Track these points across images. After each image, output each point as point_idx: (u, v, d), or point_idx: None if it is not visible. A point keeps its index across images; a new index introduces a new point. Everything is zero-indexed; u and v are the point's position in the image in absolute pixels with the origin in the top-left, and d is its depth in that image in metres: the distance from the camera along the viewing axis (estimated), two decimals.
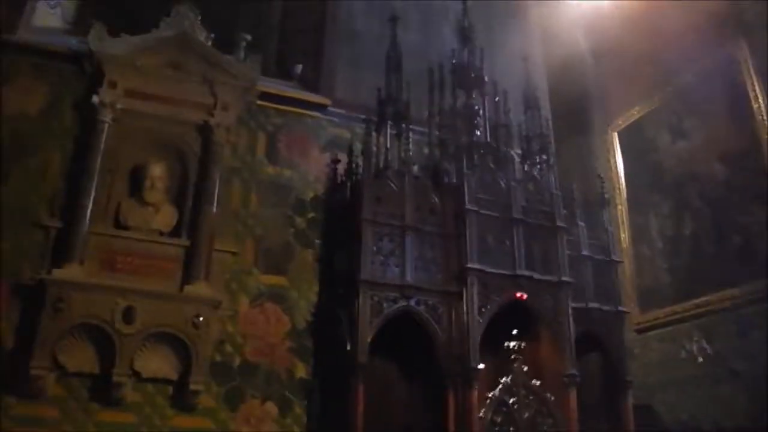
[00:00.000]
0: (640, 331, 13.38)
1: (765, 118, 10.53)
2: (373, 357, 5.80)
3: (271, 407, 6.09)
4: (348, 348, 5.33)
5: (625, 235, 13.73)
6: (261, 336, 6.27)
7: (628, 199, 13.87)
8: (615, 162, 13.09)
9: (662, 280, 14.21)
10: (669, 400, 12.37)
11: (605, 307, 6.41)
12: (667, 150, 13.68)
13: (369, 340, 5.26)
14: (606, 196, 7.23)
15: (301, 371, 6.23)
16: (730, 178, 11.69)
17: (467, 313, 5.49)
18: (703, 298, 12.81)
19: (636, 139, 13.46)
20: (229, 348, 6.14)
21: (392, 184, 5.93)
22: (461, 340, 5.46)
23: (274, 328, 6.32)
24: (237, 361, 6.13)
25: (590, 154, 9.25)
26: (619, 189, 13.07)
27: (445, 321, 5.58)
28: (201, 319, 5.80)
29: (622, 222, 13.43)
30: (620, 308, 6.54)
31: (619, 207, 12.19)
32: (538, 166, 6.59)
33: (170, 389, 5.86)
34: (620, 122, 12.03)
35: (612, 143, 12.75)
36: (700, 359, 12.55)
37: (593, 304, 6.36)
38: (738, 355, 11.98)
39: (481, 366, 5.36)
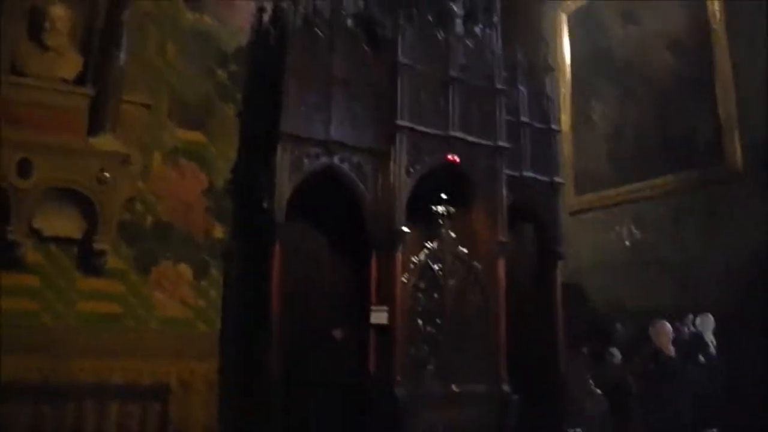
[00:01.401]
0: (573, 214, 13.49)
1: (717, 9, 10.20)
2: (294, 221, 5.47)
3: (186, 270, 5.76)
4: (265, 206, 4.91)
5: (566, 118, 13.58)
6: (175, 195, 5.84)
7: (573, 83, 13.63)
8: (562, 44, 12.66)
9: (600, 165, 14.23)
10: (598, 281, 12.64)
11: (541, 177, 6.12)
12: (617, 35, 13.36)
13: (287, 197, 4.86)
14: (550, 62, 6.77)
15: (219, 232, 5.87)
16: (679, 68, 11.51)
17: (394, 173, 5.14)
18: (639, 184, 12.94)
19: (586, 23, 13.04)
20: (139, 207, 5.71)
21: (320, 33, 5.36)
22: (387, 202, 5.12)
23: (190, 186, 5.90)
24: (149, 220, 5.72)
25: (537, 33, 8.72)
26: (564, 72, 12.71)
27: (371, 181, 5.23)
28: (107, 174, 5.31)
29: (565, 105, 13.21)
30: (556, 179, 6.23)
31: (563, 90, 11.84)
32: (481, 26, 6.08)
33: (75, 250, 5.43)
34: (570, 4, 11.52)
35: (560, 25, 12.25)
36: (629, 244, 12.81)
37: (529, 173, 6.08)
38: (666, 241, 12.23)
39: (407, 229, 5.05)
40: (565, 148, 13.65)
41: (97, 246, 5.23)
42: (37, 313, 5.11)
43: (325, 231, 5.70)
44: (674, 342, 8.70)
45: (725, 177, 11.55)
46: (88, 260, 5.32)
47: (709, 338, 8.16)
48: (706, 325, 8.36)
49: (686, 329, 8.56)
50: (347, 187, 5.23)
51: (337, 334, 5.37)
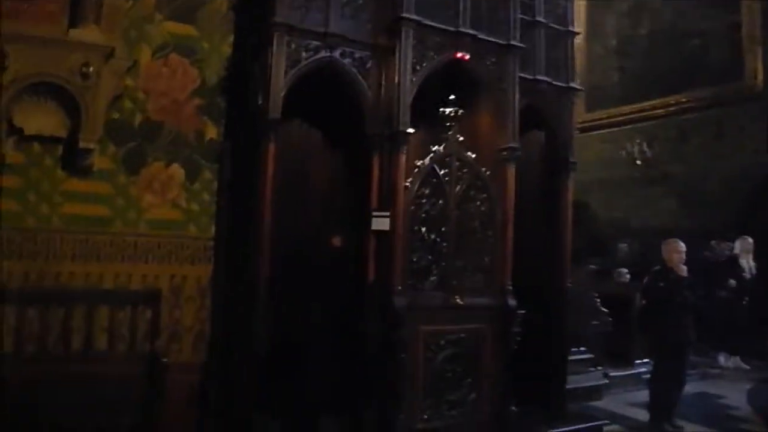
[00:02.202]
0: (583, 130, 13.12)
1: None
2: (292, 120, 5.17)
3: (178, 171, 5.44)
4: (259, 103, 4.56)
5: (579, 31, 13.01)
6: (166, 92, 5.45)
7: None
8: None
9: (612, 80, 13.78)
10: (604, 198, 12.42)
11: (555, 81, 5.72)
12: None
13: (283, 93, 4.50)
14: None
15: (212, 132, 5.52)
16: None
17: (399, 70, 4.75)
18: (650, 102, 12.53)
19: None
20: (128, 104, 5.34)
21: None
22: (391, 101, 4.76)
23: (180, 83, 5.50)
24: (138, 119, 5.36)
25: None
26: None
27: (374, 78, 4.87)
28: (91, 68, 4.92)
29: (579, 17, 12.63)
30: (572, 84, 5.83)
31: (578, 2, 11.30)
32: None
33: (60, 149, 5.11)
34: None
35: None
36: (639, 162, 12.49)
37: (542, 77, 5.67)
38: (675, 159, 11.91)
39: (411, 130, 4.71)
40: (579, 61, 13.21)
41: (83, 144, 4.88)
42: (20, 215, 4.82)
43: (324, 132, 5.40)
44: (706, 263, 8.54)
45: (741, 95, 11.16)
46: (74, 160, 4.98)
47: (748, 263, 7.98)
48: (744, 248, 8.16)
49: (721, 251, 8.37)
50: (348, 84, 4.88)
51: (337, 241, 5.11)
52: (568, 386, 6.14)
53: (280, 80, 4.53)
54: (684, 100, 12.21)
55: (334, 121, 5.20)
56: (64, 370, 4.85)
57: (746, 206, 10.09)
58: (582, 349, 7.02)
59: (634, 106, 13.05)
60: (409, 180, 4.75)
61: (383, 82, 4.84)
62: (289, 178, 5.28)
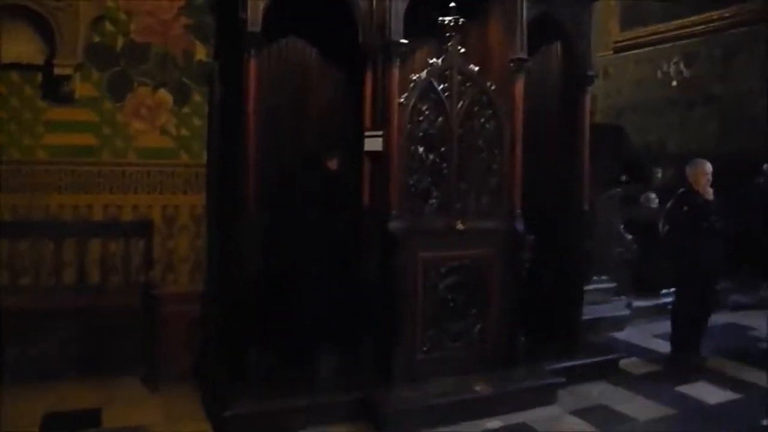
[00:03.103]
0: (617, 50, 12.40)
1: None
2: (287, 37, 4.83)
3: (165, 96, 5.14)
4: (241, 16, 4.20)
5: None
6: (150, 11, 5.13)
7: None
8: None
9: None
10: (639, 121, 11.80)
11: None
12: None
13: (264, 4, 4.12)
14: None
15: (201, 53, 5.19)
16: None
17: None
18: (690, 19, 11.71)
19: None
20: (109, 26, 5.02)
21: None
22: (383, 9, 4.34)
23: (166, 2, 5.15)
24: (120, 41, 5.05)
25: None
26: None
27: None
28: None
29: None
30: None
31: None
32: None
33: (39, 77, 4.85)
34: None
35: None
36: (675, 83, 11.77)
37: None
38: (717, 79, 11.17)
39: (404, 41, 4.31)
40: None
41: (58, 71, 4.63)
42: (3, 147, 4.61)
43: (323, 49, 5.02)
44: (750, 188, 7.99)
45: None
46: (54, 88, 4.71)
47: None
48: None
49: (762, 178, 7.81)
50: None
51: (332, 164, 4.79)
52: (588, 317, 5.87)
53: None
54: (728, 14, 11.38)
55: (332, 36, 4.81)
56: (58, 302, 4.73)
57: None
58: (604, 277, 6.68)
59: (671, 23, 12.24)
60: (405, 96, 4.34)
61: None
62: (285, 98, 4.98)
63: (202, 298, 5.09)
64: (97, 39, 4.98)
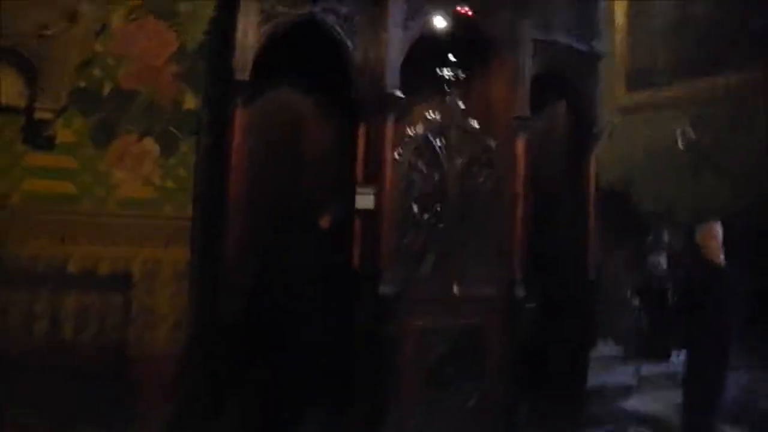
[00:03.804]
0: (624, 112, 12.26)
1: None
2: (280, 87, 4.61)
3: (151, 145, 4.90)
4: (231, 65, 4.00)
5: (622, 5, 12.21)
6: (140, 57, 4.92)
7: None
8: None
9: (657, 60, 12.85)
10: (647, 187, 11.56)
11: (577, 45, 5.01)
12: None
13: (254, 51, 3.95)
14: None
15: (190, 102, 4.97)
16: None
17: (388, 25, 4.10)
18: (697, 83, 11.59)
19: None
20: (97, 72, 4.82)
21: None
22: (380, 62, 4.13)
23: (157, 48, 4.96)
24: (107, 87, 4.83)
25: None
26: None
27: (362, 37, 4.23)
28: (48, 31, 4.44)
29: None
30: (596, 46, 5.11)
31: None
32: None
33: (21, 121, 4.63)
34: None
35: None
36: (683, 147, 11.58)
37: (562, 39, 4.97)
38: (726, 146, 10.98)
39: (400, 94, 4.09)
40: (618, 40, 12.39)
41: (39, 115, 4.42)
42: None
43: (316, 100, 4.77)
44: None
45: None
46: (36, 133, 4.49)
47: None
48: None
49: None
50: (333, 44, 4.25)
51: (324, 221, 4.52)
52: (593, 385, 5.49)
53: (249, 37, 3.96)
54: (735, 81, 11.26)
55: (328, 85, 4.59)
56: (28, 357, 4.42)
57: None
58: (611, 343, 6.32)
59: (680, 87, 12.11)
60: (399, 151, 4.11)
61: (371, 40, 4.20)
62: (277, 150, 4.75)
63: (182, 359, 4.76)
64: (82, 83, 4.77)
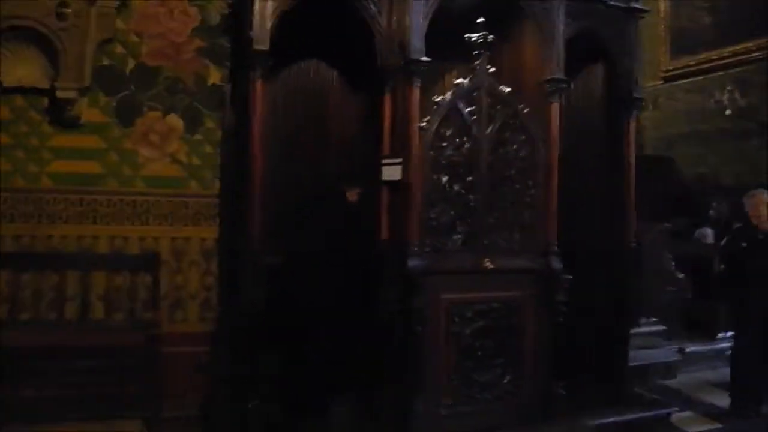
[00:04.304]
0: (667, 79, 11.83)
1: None
2: (306, 60, 4.52)
3: (177, 121, 4.85)
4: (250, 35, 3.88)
5: None
6: (162, 34, 4.87)
7: None
8: None
9: (700, 22, 12.34)
10: (691, 152, 11.17)
11: (612, 1, 4.75)
12: None
13: (272, 19, 3.80)
14: None
15: (214, 76, 4.91)
16: None
17: None
18: (743, 45, 11.09)
19: None
20: (119, 49, 4.78)
21: None
22: (404, 26, 3.96)
23: (179, 23, 4.89)
24: (130, 64, 4.80)
25: None
26: None
27: (388, 1, 4.04)
28: (68, 10, 4.39)
29: None
30: (633, 4, 4.83)
31: None
32: None
33: (45, 102, 4.61)
34: None
35: None
36: (729, 111, 11.12)
37: None
38: None
39: (426, 59, 3.91)
40: (661, 3, 11.98)
41: (61, 94, 4.40)
42: (9, 174, 4.37)
43: (337, 68, 4.64)
44: None
45: None
46: (61, 113, 4.46)
47: None
48: None
49: None
50: (356, 11, 4.09)
51: (352, 195, 4.39)
52: (635, 363, 5.29)
53: (268, 5, 3.81)
54: None
55: (354, 57, 4.44)
56: (60, 339, 4.41)
57: None
58: (654, 320, 6.10)
59: (724, 50, 11.61)
60: (427, 120, 3.93)
61: (397, 6, 4.02)
62: (303, 124, 4.63)
63: (212, 338, 4.71)
64: (105, 62, 4.72)
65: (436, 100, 4.01)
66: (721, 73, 11.45)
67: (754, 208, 4.97)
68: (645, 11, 4.92)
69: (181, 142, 4.83)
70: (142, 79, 4.80)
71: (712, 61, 11.64)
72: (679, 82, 12.00)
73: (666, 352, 6.09)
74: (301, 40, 4.29)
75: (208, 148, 4.87)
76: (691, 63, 11.89)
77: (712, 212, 9.84)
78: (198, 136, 4.85)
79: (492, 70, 4.19)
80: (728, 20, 11.60)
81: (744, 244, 4.89)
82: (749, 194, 5.08)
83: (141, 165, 4.79)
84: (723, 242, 5.18)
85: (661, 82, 12.15)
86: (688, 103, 11.74)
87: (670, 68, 12.02)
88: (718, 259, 5.20)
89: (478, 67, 4.14)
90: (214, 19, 4.94)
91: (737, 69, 11.18)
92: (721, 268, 5.12)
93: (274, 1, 3.85)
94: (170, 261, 4.80)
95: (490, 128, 4.16)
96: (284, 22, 3.91)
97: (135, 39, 4.81)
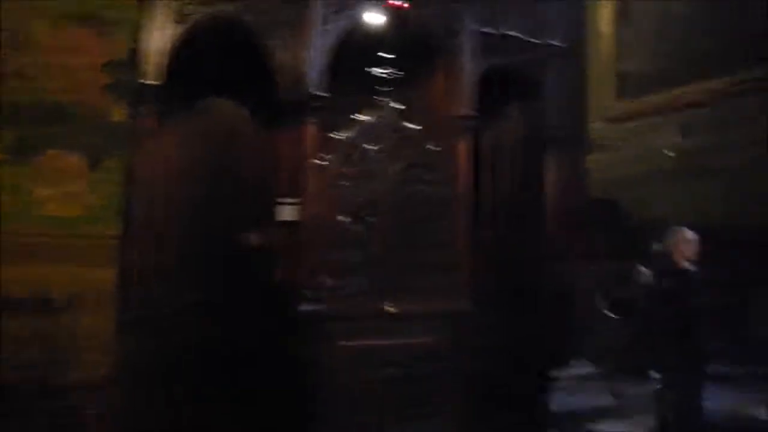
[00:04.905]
0: (613, 121, 11.90)
1: None
2: (217, 98, 4.33)
3: (77, 160, 4.57)
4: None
5: (607, 11, 11.95)
6: (66, 69, 4.60)
7: None
8: None
9: (646, 65, 12.51)
10: (639, 195, 11.18)
11: (530, 38, 4.66)
12: None
13: (167, 51, 3.67)
14: None
15: (119, 113, 4.63)
16: None
17: (310, 20, 3.79)
18: (687, 88, 11.22)
19: None
20: (16, 82, 4.51)
21: None
22: (301, 60, 3.81)
23: (84, 58, 4.64)
24: (29, 99, 4.52)
25: None
26: None
27: (287, 34, 3.90)
28: None
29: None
30: (552, 42, 4.75)
31: None
32: None
33: None
34: None
35: None
36: (672, 154, 11.19)
37: (513, 32, 4.63)
38: (717, 150, 10.58)
39: (324, 94, 3.75)
40: (605, 47, 12.14)
41: None
42: None
43: (244, 104, 4.47)
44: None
45: None
46: None
47: None
48: None
49: None
50: (259, 41, 3.94)
51: (253, 238, 4.18)
52: (565, 408, 5.10)
53: (160, 36, 3.67)
54: (724, 84, 10.89)
55: (260, 94, 4.28)
56: None
57: None
58: (586, 362, 5.92)
59: (669, 94, 11.75)
60: (327, 156, 3.76)
61: (295, 37, 3.88)
62: (209, 163, 4.43)
63: (108, 388, 4.41)
64: (2, 95, 4.47)
65: (338, 137, 3.83)
66: (666, 115, 11.56)
67: (675, 247, 4.89)
68: (560, 47, 4.84)
69: (82, 181, 4.57)
70: (42, 115, 4.55)
71: (656, 103, 11.77)
72: (627, 124, 12.08)
73: (597, 396, 5.90)
74: (208, 77, 4.12)
75: (111, 188, 4.61)
76: (637, 105, 12.01)
77: (652, 251, 9.80)
78: (100, 175, 4.60)
79: (400, 107, 4.03)
80: (673, 64, 11.77)
81: (665, 285, 4.78)
82: (670, 232, 5.01)
83: (36, 204, 4.51)
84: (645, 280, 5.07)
85: (608, 123, 12.23)
86: (634, 146, 11.81)
87: (617, 111, 12.11)
88: (642, 300, 5.08)
89: (384, 104, 3.98)
90: (120, 53, 4.73)
91: (682, 112, 11.30)
92: (642, 307, 5.01)
93: (167, 34, 3.66)
94: (63, 305, 4.49)
95: (396, 167, 3.99)
96: (189, 59, 3.73)
97: (35, 73, 4.58)
